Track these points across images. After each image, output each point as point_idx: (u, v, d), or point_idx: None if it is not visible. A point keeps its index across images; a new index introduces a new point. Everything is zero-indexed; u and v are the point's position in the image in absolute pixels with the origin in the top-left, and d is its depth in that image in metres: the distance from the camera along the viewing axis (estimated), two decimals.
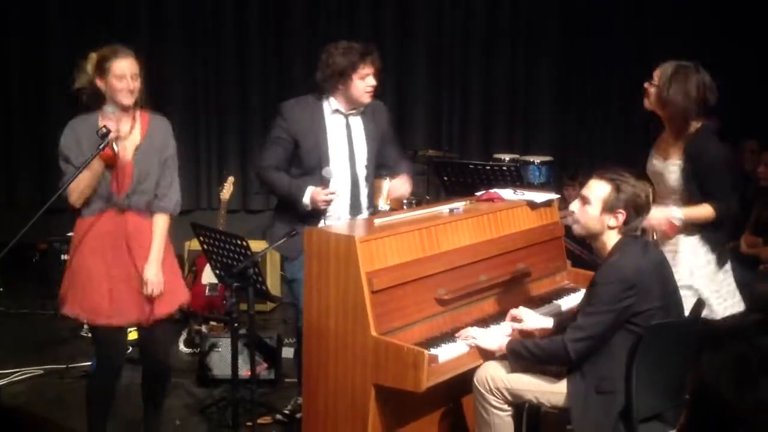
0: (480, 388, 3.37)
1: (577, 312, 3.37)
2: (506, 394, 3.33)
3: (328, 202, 4.01)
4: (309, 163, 4.08)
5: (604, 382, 3.16)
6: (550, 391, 3.30)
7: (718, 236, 3.84)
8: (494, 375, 3.35)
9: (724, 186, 3.78)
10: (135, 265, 3.62)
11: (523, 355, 3.27)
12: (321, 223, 4.04)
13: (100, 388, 3.81)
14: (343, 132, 4.14)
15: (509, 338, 3.44)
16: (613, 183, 3.18)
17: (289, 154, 4.10)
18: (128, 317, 3.65)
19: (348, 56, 4.03)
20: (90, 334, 5.46)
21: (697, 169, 3.74)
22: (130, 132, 3.60)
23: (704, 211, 3.76)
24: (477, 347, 3.40)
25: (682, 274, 3.70)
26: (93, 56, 3.60)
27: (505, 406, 3.36)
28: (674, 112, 3.79)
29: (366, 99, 4.12)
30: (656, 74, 3.83)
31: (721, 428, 1.13)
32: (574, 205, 3.30)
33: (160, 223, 3.69)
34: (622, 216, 3.18)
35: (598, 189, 3.21)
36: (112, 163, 3.52)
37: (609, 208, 3.18)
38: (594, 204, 3.21)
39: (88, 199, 3.57)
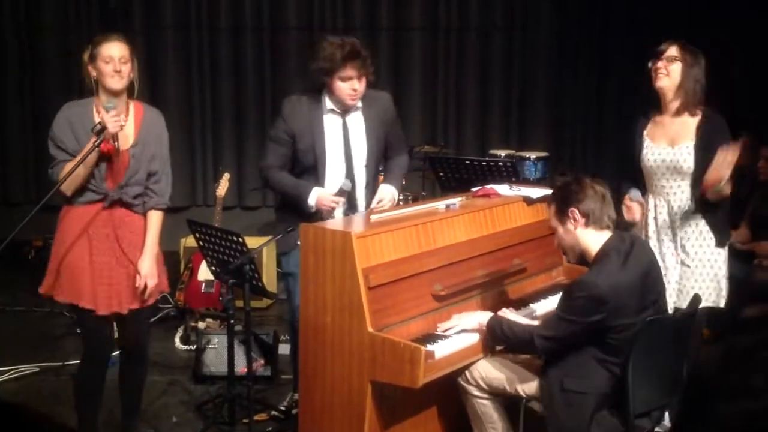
0: (460, 381, 3.48)
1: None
2: (481, 383, 3.42)
3: (333, 208, 3.97)
4: (305, 163, 4.03)
5: (567, 379, 3.20)
6: (524, 381, 3.36)
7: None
8: (471, 367, 3.45)
9: None
10: (124, 254, 3.62)
11: (498, 334, 3.36)
12: None
13: (87, 380, 3.78)
14: (340, 132, 4.04)
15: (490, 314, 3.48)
16: (548, 200, 3.41)
17: (291, 152, 4.04)
18: (109, 306, 3.62)
19: (331, 57, 3.90)
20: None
21: (712, 147, 3.72)
22: (124, 124, 3.55)
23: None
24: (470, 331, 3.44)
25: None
26: (88, 46, 3.60)
27: (484, 395, 3.44)
28: (694, 92, 3.81)
29: (349, 101, 3.98)
30: (675, 51, 3.80)
31: (706, 413, 1.15)
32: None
33: (155, 219, 3.70)
34: (575, 212, 3.23)
35: (550, 215, 3.37)
36: (109, 156, 3.51)
37: (560, 216, 3.29)
38: (554, 225, 3.32)
39: (78, 189, 3.55)
